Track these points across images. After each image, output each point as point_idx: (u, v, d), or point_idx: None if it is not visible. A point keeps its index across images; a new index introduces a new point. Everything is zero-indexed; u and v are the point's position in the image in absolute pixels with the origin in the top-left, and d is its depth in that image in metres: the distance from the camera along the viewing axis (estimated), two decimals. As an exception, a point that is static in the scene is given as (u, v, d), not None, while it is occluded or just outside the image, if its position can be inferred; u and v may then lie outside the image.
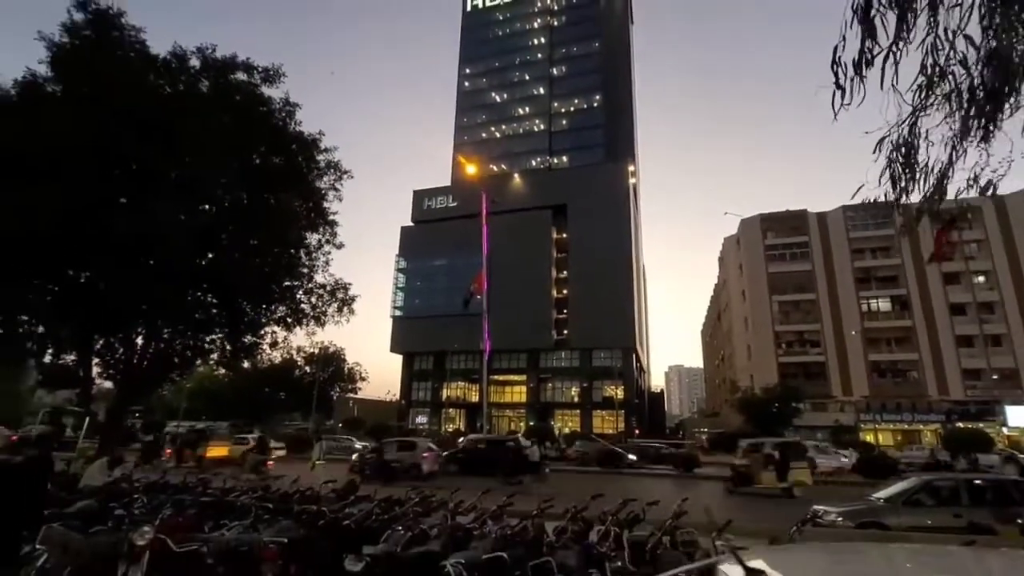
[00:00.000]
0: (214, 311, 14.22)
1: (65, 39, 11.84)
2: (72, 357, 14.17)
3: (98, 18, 12.03)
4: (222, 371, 29.56)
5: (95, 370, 14.15)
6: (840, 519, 8.71)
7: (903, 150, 3.51)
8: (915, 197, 3.73)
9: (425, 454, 20.10)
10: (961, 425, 38.53)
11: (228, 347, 15.11)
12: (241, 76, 13.37)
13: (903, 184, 3.59)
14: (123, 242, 11.61)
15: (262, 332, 15.31)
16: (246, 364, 16.72)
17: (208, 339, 14.90)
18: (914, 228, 3.93)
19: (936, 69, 3.22)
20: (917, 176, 3.56)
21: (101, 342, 13.73)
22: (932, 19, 3.17)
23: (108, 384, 15.78)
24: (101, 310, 12.35)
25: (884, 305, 51.17)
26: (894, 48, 3.17)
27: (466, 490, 7.58)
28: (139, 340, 14.16)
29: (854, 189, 3.74)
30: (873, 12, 3.17)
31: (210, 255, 13.68)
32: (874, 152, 3.56)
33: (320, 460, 21.73)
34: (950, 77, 3.26)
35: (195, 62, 12.90)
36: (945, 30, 3.14)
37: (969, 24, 3.09)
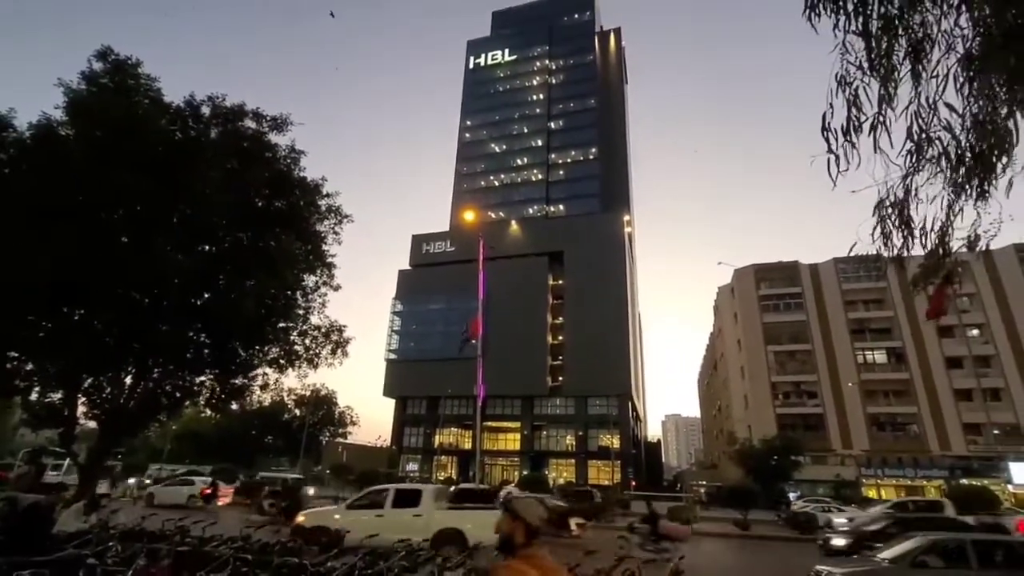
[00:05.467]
0: (206, 351, 14.04)
1: (83, 86, 12.25)
2: (58, 395, 13.86)
3: (116, 67, 12.49)
4: (209, 413, 28.81)
5: (80, 409, 13.83)
6: (844, 581, 8.35)
7: (897, 209, 3.61)
8: (903, 253, 3.80)
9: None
10: (965, 482, 37.63)
11: (218, 388, 14.82)
12: (250, 124, 13.78)
13: (900, 242, 3.68)
14: (123, 281, 11.61)
15: (253, 374, 15.06)
16: (235, 406, 16.35)
17: (198, 380, 14.64)
18: (923, 286, 3.96)
19: (923, 135, 3.36)
20: (915, 234, 3.64)
21: (89, 380, 13.47)
22: (914, 87, 3.34)
23: (92, 424, 15.34)
24: (94, 348, 12.20)
25: (880, 357, 51.04)
26: (879, 115, 3.32)
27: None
28: (127, 379, 13.91)
29: (844, 240, 3.83)
30: (856, 83, 3.33)
31: (206, 295, 13.65)
32: (873, 214, 3.65)
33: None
34: (937, 142, 3.40)
35: (205, 110, 13.31)
36: (927, 99, 3.29)
37: (948, 92, 3.26)
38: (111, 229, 11.99)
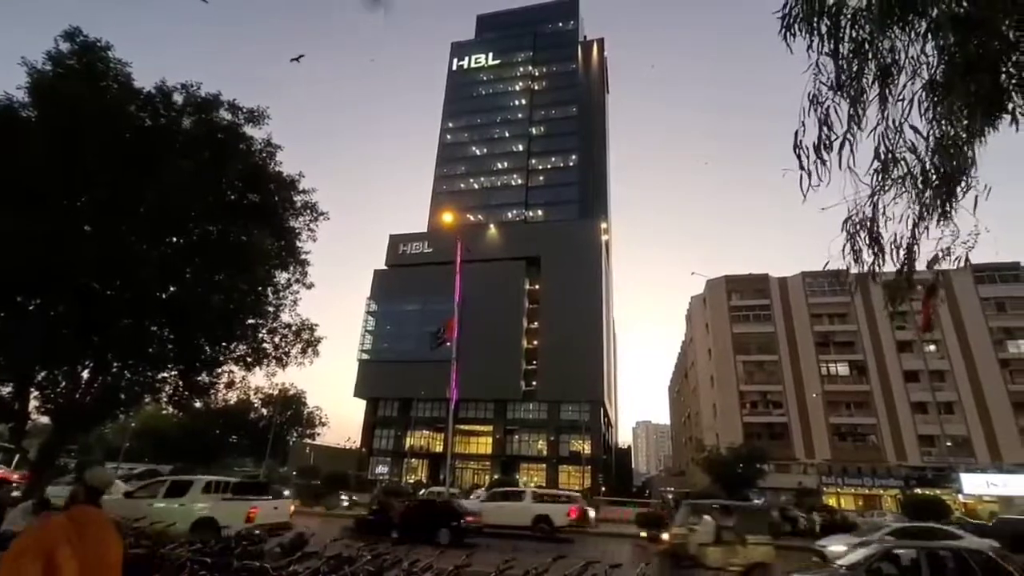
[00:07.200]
0: (169, 346, 13.60)
1: (48, 67, 11.78)
2: (9, 388, 13.21)
3: (85, 49, 12.05)
4: (171, 410, 27.81)
5: (32, 403, 13.22)
6: (803, 588, 8.55)
7: (867, 226, 3.73)
8: (873, 269, 3.93)
9: None
10: (919, 491, 39.03)
11: (181, 385, 14.37)
12: (225, 115, 13.46)
13: (871, 258, 3.80)
14: (85, 271, 11.17)
15: (219, 371, 14.66)
16: (198, 404, 15.88)
17: (160, 376, 14.17)
18: (900, 302, 4.09)
19: (889, 155, 3.49)
20: (886, 250, 3.77)
21: (43, 374, 12.89)
22: (881, 109, 3.47)
23: (45, 419, 14.67)
24: (49, 340, 11.68)
25: (843, 369, 52.69)
26: (849, 135, 3.45)
27: (425, 551, 7.18)
28: (84, 373, 13.36)
29: (813, 254, 3.97)
30: (827, 103, 3.46)
31: (172, 288, 13.24)
32: (841, 231, 3.79)
33: None
34: (902, 162, 3.53)
35: (178, 98, 12.95)
36: (893, 121, 3.43)
37: (913, 115, 3.40)
38: (74, 216, 11.54)
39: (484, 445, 61.16)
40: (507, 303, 62.94)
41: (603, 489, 52.12)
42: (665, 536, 12.62)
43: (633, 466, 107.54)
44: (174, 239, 13.22)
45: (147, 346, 13.15)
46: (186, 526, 10.76)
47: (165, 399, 14.89)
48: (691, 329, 70.27)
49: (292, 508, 14.10)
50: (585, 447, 54.72)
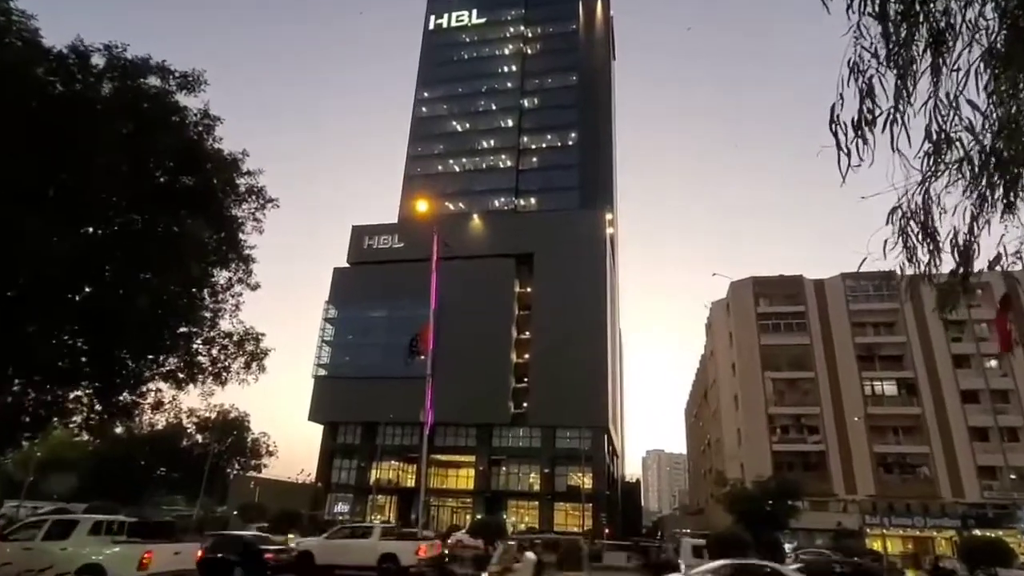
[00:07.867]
0: (83, 359, 13.42)
1: (-66, 19, 11.59)
2: None
3: (-19, 0, 11.87)
4: (86, 437, 27.47)
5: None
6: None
7: (919, 217, 3.75)
8: (929, 269, 3.94)
9: None
10: (978, 532, 39.41)
11: (97, 406, 14.21)
12: (154, 81, 13.32)
13: (926, 257, 3.82)
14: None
15: (144, 389, 14.53)
16: (119, 429, 15.74)
17: (72, 395, 13.98)
18: (952, 308, 4.11)
19: (943, 135, 3.52)
20: (941, 247, 3.79)
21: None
22: (934, 82, 3.51)
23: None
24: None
25: (889, 388, 53.11)
26: (896, 110, 3.48)
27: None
28: (-22, 393, 13.13)
29: (852, 254, 3.95)
30: (870, 71, 3.49)
31: (87, 289, 13.07)
32: (887, 223, 3.80)
33: None
34: (958, 144, 3.57)
35: (98, 61, 12.80)
36: (947, 95, 3.47)
37: (970, 89, 3.44)
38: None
39: (465, 479, 61.01)
40: (493, 308, 62.93)
41: (607, 531, 52.23)
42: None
43: (643, 503, 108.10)
44: (91, 229, 13.05)
45: (56, 359, 12.96)
46: (65, 572, 10.88)
47: (78, 423, 14.69)
48: (712, 340, 70.65)
49: (200, 553, 14.25)
50: (586, 481, 54.78)
